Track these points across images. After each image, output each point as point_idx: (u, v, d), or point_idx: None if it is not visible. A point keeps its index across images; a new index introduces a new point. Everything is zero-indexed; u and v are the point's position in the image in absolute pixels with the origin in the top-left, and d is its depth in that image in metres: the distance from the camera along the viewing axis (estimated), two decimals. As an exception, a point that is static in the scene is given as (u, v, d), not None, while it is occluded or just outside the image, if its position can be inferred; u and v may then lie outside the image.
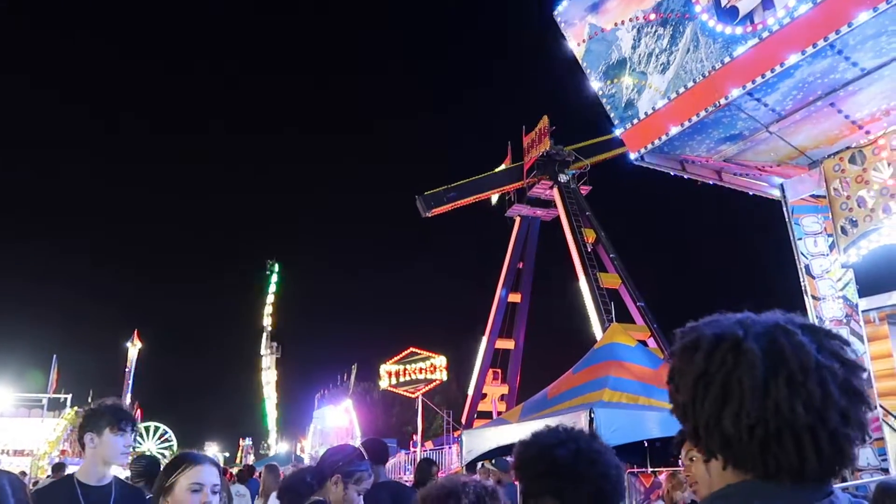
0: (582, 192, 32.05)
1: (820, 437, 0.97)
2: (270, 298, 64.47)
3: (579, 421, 9.76)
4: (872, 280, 9.41)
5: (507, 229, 35.23)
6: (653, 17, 8.68)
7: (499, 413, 28.21)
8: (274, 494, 9.47)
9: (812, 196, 8.49)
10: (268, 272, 66.34)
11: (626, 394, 10.29)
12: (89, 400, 38.45)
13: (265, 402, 60.36)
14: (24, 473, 17.29)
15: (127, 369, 46.37)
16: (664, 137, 8.68)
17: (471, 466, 11.71)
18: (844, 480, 7.17)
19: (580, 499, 1.62)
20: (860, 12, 6.44)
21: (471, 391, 32.91)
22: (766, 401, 0.98)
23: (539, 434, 1.75)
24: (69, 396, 35.00)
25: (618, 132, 9.28)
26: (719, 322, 1.08)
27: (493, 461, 9.76)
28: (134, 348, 47.51)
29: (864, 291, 8.92)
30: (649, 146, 8.92)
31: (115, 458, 3.12)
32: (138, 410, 52.40)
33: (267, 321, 62.46)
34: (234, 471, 16.26)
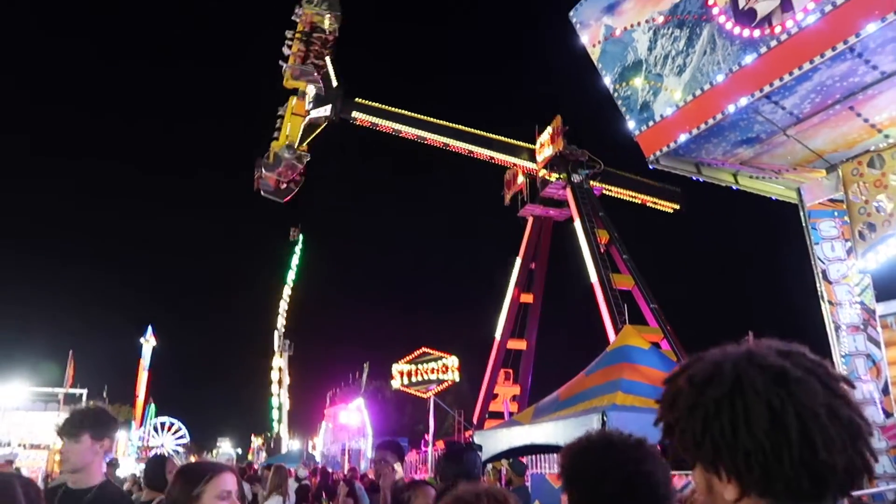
0: (595, 192, 31.92)
1: (836, 463, 0.97)
2: (291, 278, 61.34)
3: (591, 424, 9.72)
4: (890, 285, 9.30)
5: (520, 229, 35.17)
6: (669, 18, 8.63)
7: (510, 414, 28.16)
8: (290, 491, 9.53)
9: (829, 200, 8.41)
10: (291, 242, 62.54)
11: (639, 397, 10.22)
12: (104, 395, 38.85)
13: (271, 408, 59.59)
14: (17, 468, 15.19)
15: (142, 365, 46.77)
16: (680, 140, 8.63)
17: (482, 467, 11.70)
18: (861, 488, 7.10)
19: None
20: (871, 21, 6.39)
21: (482, 391, 32.90)
22: (835, 422, 0.98)
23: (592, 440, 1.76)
24: (84, 391, 35.31)
25: (634, 134, 9.23)
26: (740, 359, 1.06)
27: (510, 462, 9.75)
28: (148, 344, 47.89)
29: (881, 296, 8.82)
30: (665, 149, 8.87)
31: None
32: (153, 405, 52.81)
33: (284, 307, 60.34)
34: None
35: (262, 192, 34.13)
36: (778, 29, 7.27)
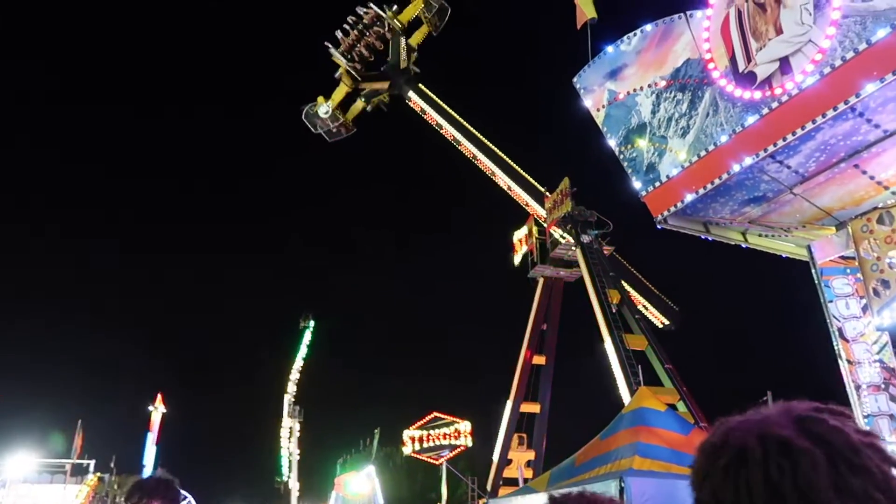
0: (604, 252, 31.95)
1: None
2: (302, 356, 60.90)
3: (609, 490, 9.45)
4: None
5: (531, 290, 35.06)
6: (671, 82, 8.84)
7: (525, 480, 27.42)
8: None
9: (841, 257, 8.39)
10: (302, 328, 62.12)
11: (658, 461, 9.97)
12: (112, 466, 38.19)
13: (280, 467, 58.37)
14: None
15: (150, 433, 46.17)
16: (686, 200, 8.70)
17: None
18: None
19: None
20: (870, 82, 6.54)
21: (496, 457, 32.15)
22: (844, 496, 0.95)
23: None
24: (92, 462, 34.76)
25: (641, 195, 9.32)
26: (748, 427, 1.06)
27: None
28: (157, 412, 47.38)
29: (901, 354, 8.67)
30: (672, 209, 8.93)
31: None
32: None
33: (294, 380, 59.88)
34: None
35: (314, 129, 36.67)
36: (778, 91, 7.43)
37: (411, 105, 35.36)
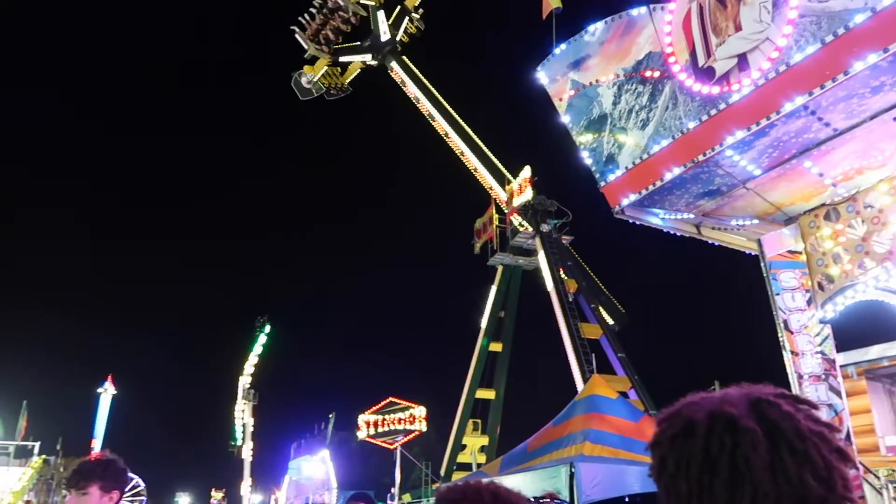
0: (563, 241, 32.28)
1: None
2: (256, 354, 60.24)
3: (559, 475, 9.62)
4: (850, 335, 9.54)
5: (489, 278, 35.28)
6: (633, 74, 8.93)
7: (479, 465, 27.72)
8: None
9: (789, 252, 8.63)
10: (256, 330, 61.33)
11: (608, 447, 10.20)
12: (58, 448, 37.22)
13: (234, 427, 57.53)
14: None
15: (99, 417, 45.11)
16: (643, 192, 8.83)
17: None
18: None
19: None
20: (822, 81, 6.72)
21: (450, 442, 32.40)
22: (777, 477, 0.96)
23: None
24: (37, 444, 33.86)
25: (600, 185, 9.43)
26: (703, 404, 1.08)
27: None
28: (106, 395, 46.30)
29: (842, 346, 9.01)
30: (629, 199, 9.06)
31: None
32: (108, 458, 50.42)
33: (248, 376, 59.19)
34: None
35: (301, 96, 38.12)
36: (736, 86, 7.56)
37: (392, 75, 36.05)
